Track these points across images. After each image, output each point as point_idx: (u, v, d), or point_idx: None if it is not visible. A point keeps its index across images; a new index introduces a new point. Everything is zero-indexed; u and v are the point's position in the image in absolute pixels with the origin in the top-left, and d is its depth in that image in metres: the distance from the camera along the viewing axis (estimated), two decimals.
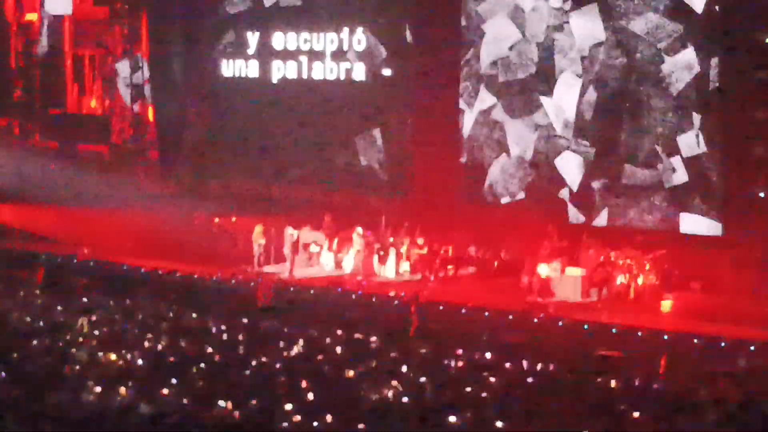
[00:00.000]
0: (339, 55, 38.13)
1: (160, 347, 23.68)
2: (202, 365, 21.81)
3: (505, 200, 35.31)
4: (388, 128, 37.37)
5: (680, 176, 32.35)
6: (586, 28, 33.52)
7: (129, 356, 22.45)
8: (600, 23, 33.36)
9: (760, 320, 27.24)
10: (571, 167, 34.12)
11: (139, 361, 22.19)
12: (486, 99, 35.38)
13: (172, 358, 22.63)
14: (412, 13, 36.99)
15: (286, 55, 39.03)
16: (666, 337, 26.81)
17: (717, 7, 31.71)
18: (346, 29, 37.94)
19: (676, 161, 32.38)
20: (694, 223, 32.23)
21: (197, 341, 24.23)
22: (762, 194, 30.34)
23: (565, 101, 34.02)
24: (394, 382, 20.65)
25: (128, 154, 41.66)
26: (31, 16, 43.42)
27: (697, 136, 32.00)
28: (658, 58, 32.62)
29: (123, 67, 41.79)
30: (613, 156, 33.49)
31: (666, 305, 29.70)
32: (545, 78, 34.35)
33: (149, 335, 24.62)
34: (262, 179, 39.41)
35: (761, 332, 26.33)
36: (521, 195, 35.01)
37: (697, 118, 32.03)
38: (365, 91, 37.81)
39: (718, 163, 31.83)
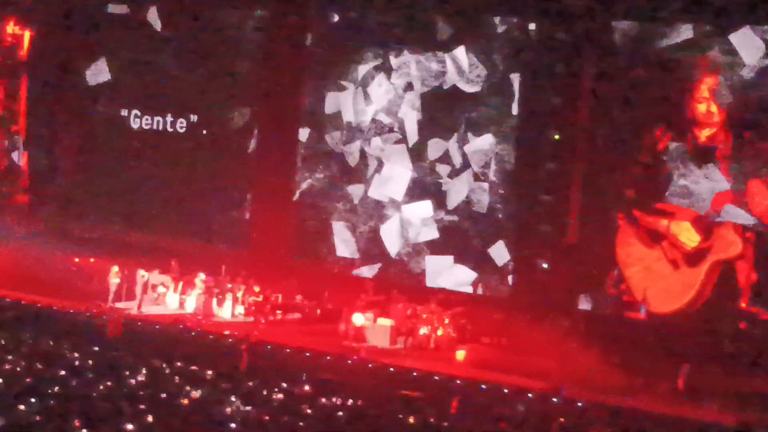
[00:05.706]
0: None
1: (18, 369, 23.07)
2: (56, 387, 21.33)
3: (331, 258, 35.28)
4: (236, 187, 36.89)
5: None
6: None
7: None
8: None
9: (538, 372, 27.62)
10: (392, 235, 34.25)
11: None
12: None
13: (28, 379, 22.07)
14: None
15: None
16: (458, 382, 27.03)
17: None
18: None
19: None
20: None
21: (52, 365, 23.69)
22: (545, 265, 30.86)
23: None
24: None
25: (1, 197, 40.70)
26: None
27: None
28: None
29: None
30: None
31: (460, 355, 29.94)
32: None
33: (9, 357, 23.98)
34: (119, 224, 38.57)
35: (537, 382, 26.71)
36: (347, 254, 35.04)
37: None
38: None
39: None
